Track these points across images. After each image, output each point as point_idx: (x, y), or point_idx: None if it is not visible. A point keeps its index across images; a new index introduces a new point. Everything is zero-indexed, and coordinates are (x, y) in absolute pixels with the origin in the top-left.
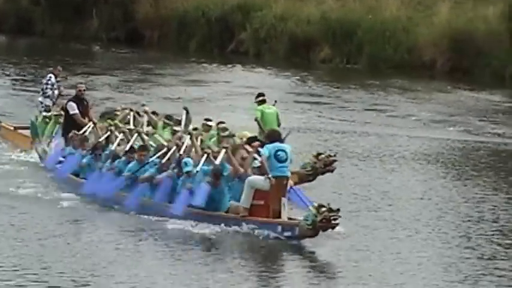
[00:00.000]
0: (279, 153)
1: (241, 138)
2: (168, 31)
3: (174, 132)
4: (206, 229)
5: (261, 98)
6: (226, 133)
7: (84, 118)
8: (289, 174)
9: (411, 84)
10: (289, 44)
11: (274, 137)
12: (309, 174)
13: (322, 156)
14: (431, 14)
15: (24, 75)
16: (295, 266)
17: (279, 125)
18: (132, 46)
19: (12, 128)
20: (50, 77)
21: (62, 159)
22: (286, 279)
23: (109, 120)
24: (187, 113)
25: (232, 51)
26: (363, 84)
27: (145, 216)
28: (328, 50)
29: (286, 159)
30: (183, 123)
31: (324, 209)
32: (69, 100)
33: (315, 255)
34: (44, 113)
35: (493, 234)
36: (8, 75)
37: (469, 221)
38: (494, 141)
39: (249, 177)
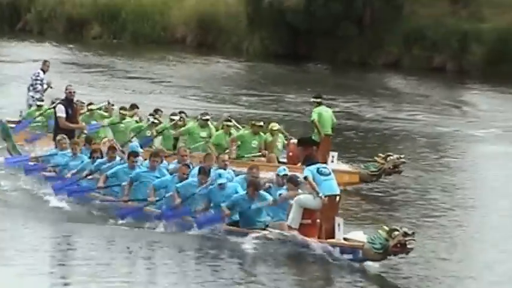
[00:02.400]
0: (321, 169)
1: (271, 133)
2: None
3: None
4: (245, 247)
5: (319, 100)
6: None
7: (73, 122)
8: (338, 191)
9: (165, 56)
10: (67, 23)
11: (312, 160)
12: (373, 175)
13: (392, 157)
14: None
15: None
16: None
17: (334, 125)
18: None
19: None
20: (39, 73)
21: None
22: None
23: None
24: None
25: (20, 29)
26: (127, 56)
27: (162, 229)
28: (98, 28)
29: (330, 173)
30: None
31: (397, 232)
32: (59, 103)
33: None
34: (38, 102)
35: None
36: None
37: None
38: (241, 108)
39: (299, 196)
